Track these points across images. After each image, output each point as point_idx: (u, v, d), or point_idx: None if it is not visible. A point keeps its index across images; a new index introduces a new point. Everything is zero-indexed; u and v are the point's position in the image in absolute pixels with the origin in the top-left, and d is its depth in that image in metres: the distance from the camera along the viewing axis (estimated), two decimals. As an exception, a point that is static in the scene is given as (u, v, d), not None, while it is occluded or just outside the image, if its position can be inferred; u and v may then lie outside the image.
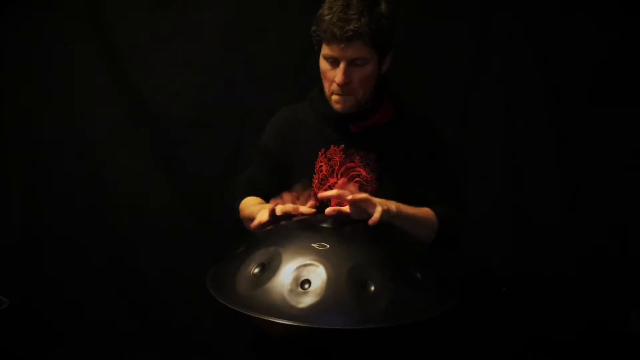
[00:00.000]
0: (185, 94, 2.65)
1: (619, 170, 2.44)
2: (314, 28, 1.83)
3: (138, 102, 2.66)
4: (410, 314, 1.40)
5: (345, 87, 1.82)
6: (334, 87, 1.84)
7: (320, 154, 1.93)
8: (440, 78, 2.52)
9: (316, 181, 1.92)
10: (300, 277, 1.40)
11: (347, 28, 1.73)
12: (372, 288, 1.39)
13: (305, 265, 1.42)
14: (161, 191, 2.71)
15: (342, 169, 1.90)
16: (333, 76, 1.82)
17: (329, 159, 1.92)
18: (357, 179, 1.88)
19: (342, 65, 1.79)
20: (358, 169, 1.90)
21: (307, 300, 1.36)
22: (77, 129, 2.68)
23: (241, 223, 1.97)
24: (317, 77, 2.55)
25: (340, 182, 1.80)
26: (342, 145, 1.92)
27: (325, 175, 1.92)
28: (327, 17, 1.77)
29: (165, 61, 2.64)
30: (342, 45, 1.76)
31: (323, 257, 1.42)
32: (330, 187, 1.88)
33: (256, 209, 1.81)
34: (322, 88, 1.93)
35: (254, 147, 2.11)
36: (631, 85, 2.41)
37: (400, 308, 1.38)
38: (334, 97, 1.87)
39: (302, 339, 1.48)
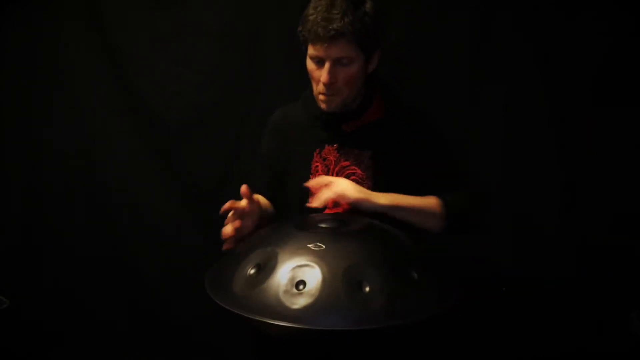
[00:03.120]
0: (184, 94, 2.65)
1: (619, 170, 2.43)
2: (300, 28, 1.84)
3: (138, 102, 2.66)
4: (407, 314, 1.39)
5: (330, 87, 1.83)
6: (320, 87, 1.85)
7: (315, 154, 1.94)
8: (440, 78, 2.51)
9: None
10: (296, 277, 1.40)
11: (330, 27, 1.73)
12: (367, 288, 1.38)
13: (301, 266, 1.41)
14: (161, 191, 2.71)
15: (337, 168, 1.90)
16: (319, 76, 1.83)
17: (324, 159, 1.93)
18: (353, 177, 1.88)
19: (327, 65, 1.80)
20: (353, 167, 1.90)
21: (301, 302, 1.36)
22: (77, 128, 2.69)
23: None
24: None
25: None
26: (336, 145, 1.92)
27: (322, 175, 1.91)
28: (311, 17, 1.77)
29: (165, 61, 2.64)
30: (326, 44, 1.76)
31: (318, 258, 1.42)
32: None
33: None
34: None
35: (254, 158, 2.10)
36: (631, 85, 2.40)
37: (396, 308, 1.37)
38: (321, 97, 1.88)
39: (298, 339, 1.47)
